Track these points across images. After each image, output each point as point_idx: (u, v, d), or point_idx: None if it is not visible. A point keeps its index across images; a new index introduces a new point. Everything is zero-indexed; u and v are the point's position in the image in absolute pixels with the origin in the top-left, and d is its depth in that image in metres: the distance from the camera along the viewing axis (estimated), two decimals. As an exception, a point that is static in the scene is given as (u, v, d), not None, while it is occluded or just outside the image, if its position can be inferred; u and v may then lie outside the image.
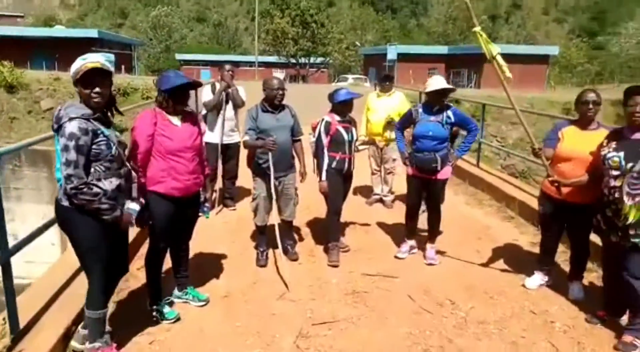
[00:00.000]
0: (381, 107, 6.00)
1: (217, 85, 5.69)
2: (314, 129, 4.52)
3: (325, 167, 4.31)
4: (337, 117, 4.37)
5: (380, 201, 6.40)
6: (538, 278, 4.03)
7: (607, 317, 3.46)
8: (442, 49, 41.65)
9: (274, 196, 4.12)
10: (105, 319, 2.81)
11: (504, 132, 18.31)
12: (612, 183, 3.15)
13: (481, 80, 33.43)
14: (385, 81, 6.16)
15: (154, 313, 3.31)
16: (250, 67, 48.53)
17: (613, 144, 3.22)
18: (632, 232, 3.08)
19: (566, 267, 4.07)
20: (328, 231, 4.54)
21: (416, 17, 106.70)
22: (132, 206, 2.80)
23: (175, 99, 3.10)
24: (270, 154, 3.98)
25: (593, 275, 4.13)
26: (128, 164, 2.84)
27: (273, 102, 4.13)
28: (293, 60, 40.38)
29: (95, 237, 2.62)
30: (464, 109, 16.57)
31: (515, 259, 4.55)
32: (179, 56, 54.31)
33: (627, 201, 3.07)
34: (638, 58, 45.82)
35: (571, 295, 3.82)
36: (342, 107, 4.36)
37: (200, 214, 3.53)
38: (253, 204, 4.32)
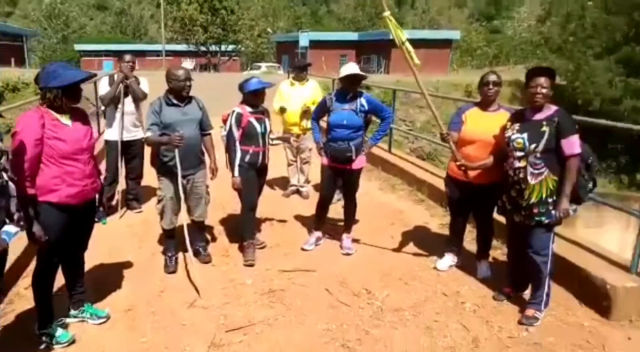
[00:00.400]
0: (296, 96, 5.87)
1: (116, 78, 5.25)
2: (224, 121, 4.30)
3: (237, 161, 4.11)
4: (249, 109, 4.15)
5: (298, 192, 6.30)
6: (448, 259, 4.15)
7: (512, 293, 3.63)
8: (353, 36, 42.29)
9: (182, 196, 3.86)
10: None
11: (412, 116, 19.01)
12: (517, 164, 3.25)
13: (390, 65, 34.39)
14: (302, 71, 6.02)
15: (44, 338, 2.96)
16: (158, 56, 46.35)
17: (516, 126, 3.31)
18: (535, 210, 3.21)
19: (473, 247, 4.22)
20: (242, 229, 4.36)
21: (327, 4, 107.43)
22: (8, 229, 2.45)
23: (69, 96, 2.76)
24: (176, 150, 3.69)
25: (498, 252, 4.33)
26: (4, 175, 2.47)
27: (180, 95, 3.84)
28: (203, 49, 38.94)
29: None
30: (374, 95, 16.96)
31: (427, 242, 4.66)
32: (78, 47, 50.64)
33: (531, 181, 3.19)
34: (529, 41, 49.29)
35: (479, 274, 3.97)
36: (253, 97, 4.14)
37: (96, 220, 3.21)
38: (159, 206, 4.01)
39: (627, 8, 20.03)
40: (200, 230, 4.32)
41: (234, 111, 4.15)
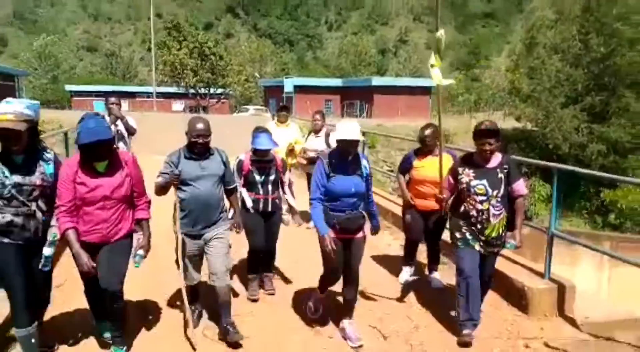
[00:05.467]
0: (281, 135, 6.37)
1: (107, 119, 5.61)
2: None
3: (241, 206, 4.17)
4: (253, 157, 4.29)
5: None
6: (406, 273, 4.92)
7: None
8: (337, 82, 44.11)
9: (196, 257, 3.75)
10: None
11: (392, 157, 20.16)
12: (480, 207, 3.66)
13: (372, 110, 35.93)
14: (282, 111, 6.87)
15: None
16: (148, 97, 47.64)
17: (471, 173, 3.70)
18: (494, 242, 3.71)
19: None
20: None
21: (312, 50, 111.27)
22: (46, 252, 3.13)
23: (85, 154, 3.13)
24: (190, 207, 3.59)
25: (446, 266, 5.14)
26: (31, 205, 3.06)
27: (193, 150, 3.63)
28: (193, 91, 40.36)
29: None
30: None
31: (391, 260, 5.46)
32: (68, 87, 51.67)
33: (493, 221, 3.65)
34: (505, 89, 51.72)
35: (433, 285, 4.75)
36: (257, 153, 4.25)
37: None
38: (180, 264, 3.72)
39: (586, 63, 21.85)
40: (224, 299, 3.69)
41: (237, 158, 4.33)
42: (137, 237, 3.46)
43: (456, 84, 58.28)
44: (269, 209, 4.37)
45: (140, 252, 3.34)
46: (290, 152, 6.61)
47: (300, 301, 4.33)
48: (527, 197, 17.65)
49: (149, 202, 3.48)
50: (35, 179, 3.07)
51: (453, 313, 3.99)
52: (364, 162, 3.67)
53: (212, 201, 3.66)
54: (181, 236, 3.63)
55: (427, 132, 4.51)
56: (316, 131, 6.67)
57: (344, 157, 3.60)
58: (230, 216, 4.00)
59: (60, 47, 63.92)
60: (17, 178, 2.99)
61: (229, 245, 3.78)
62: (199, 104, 42.01)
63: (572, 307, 4.17)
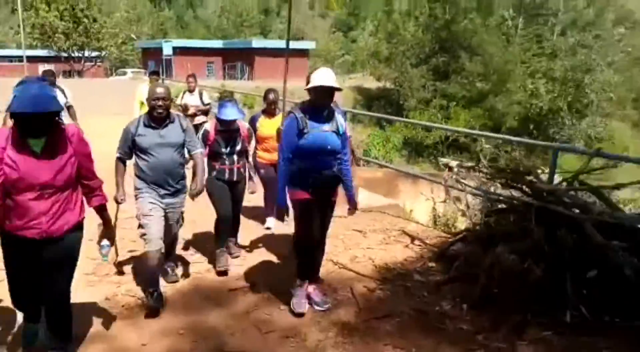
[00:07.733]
0: None
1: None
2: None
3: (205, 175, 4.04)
4: (219, 127, 4.25)
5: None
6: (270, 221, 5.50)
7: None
8: (218, 43, 44.46)
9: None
10: None
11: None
12: None
13: (253, 73, 37.36)
14: (152, 75, 8.48)
15: None
16: (10, 62, 44.03)
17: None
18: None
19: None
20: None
21: (193, 9, 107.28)
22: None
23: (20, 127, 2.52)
24: (150, 175, 3.57)
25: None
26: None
27: (152, 115, 3.53)
28: (65, 55, 38.44)
29: None
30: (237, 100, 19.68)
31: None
32: None
33: None
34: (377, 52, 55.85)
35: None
36: (222, 123, 4.23)
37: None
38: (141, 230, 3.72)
39: (435, 29, 25.58)
40: (152, 264, 3.61)
41: (203, 128, 4.32)
42: (98, 224, 3.05)
43: (333, 46, 61.48)
44: (235, 178, 4.34)
45: (106, 242, 3.00)
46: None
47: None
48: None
49: (102, 183, 2.94)
50: None
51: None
52: (339, 118, 3.46)
53: (171, 169, 3.63)
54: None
55: (271, 97, 5.22)
56: (191, 90, 8.50)
57: (319, 111, 3.39)
58: (190, 183, 3.86)
59: None
60: None
61: (182, 214, 3.91)
62: (72, 68, 40.15)
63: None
